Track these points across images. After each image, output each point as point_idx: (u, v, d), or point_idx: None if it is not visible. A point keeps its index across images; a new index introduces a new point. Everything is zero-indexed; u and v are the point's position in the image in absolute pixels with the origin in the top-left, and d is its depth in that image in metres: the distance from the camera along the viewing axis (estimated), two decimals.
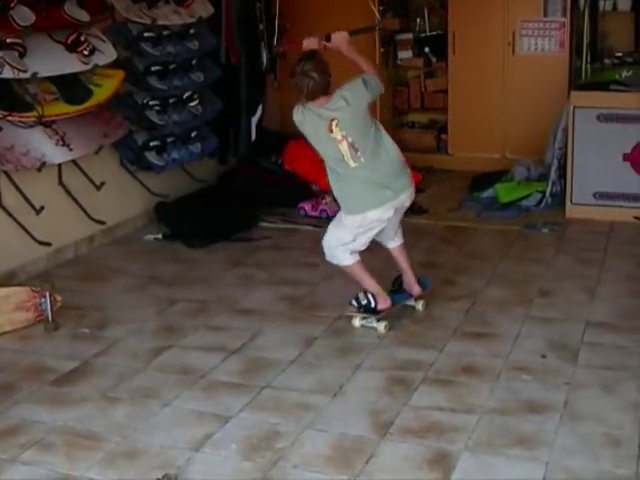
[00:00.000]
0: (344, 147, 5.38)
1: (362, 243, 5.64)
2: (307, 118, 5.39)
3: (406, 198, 5.65)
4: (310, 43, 5.68)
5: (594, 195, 7.98)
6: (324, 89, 5.34)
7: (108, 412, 4.67)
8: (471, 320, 5.80)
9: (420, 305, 5.94)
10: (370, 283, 5.67)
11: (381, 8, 9.98)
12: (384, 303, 5.68)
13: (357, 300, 5.68)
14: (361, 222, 5.53)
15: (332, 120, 5.34)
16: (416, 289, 5.90)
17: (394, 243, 5.90)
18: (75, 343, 5.59)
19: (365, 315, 5.67)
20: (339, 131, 5.35)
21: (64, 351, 5.46)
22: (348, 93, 5.38)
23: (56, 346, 5.55)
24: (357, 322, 5.70)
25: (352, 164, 5.43)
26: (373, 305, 5.65)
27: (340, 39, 5.65)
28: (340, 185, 5.58)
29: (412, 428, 4.41)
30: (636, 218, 7.76)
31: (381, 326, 5.62)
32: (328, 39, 5.67)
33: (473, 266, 6.89)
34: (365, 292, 5.66)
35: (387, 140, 5.58)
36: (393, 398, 4.72)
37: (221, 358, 5.27)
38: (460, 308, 5.99)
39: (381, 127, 5.63)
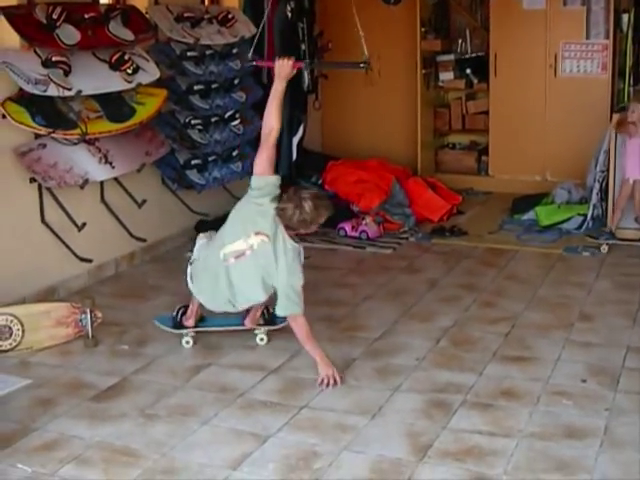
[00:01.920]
0: None
1: None
2: None
3: None
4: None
5: (636, 219, 7.91)
6: None
7: (147, 429, 4.67)
8: (511, 343, 5.76)
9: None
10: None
11: (423, 29, 10.02)
12: None
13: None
14: None
15: None
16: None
17: None
18: (114, 359, 5.61)
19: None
20: None
21: (103, 367, 5.48)
22: None
23: (95, 362, 5.58)
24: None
25: None
26: None
27: (280, 67, 5.45)
28: None
29: (451, 451, 4.37)
30: None
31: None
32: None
33: (513, 289, 6.86)
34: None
35: None
36: (432, 421, 4.69)
37: (260, 377, 5.27)
38: (500, 331, 5.95)
39: None
